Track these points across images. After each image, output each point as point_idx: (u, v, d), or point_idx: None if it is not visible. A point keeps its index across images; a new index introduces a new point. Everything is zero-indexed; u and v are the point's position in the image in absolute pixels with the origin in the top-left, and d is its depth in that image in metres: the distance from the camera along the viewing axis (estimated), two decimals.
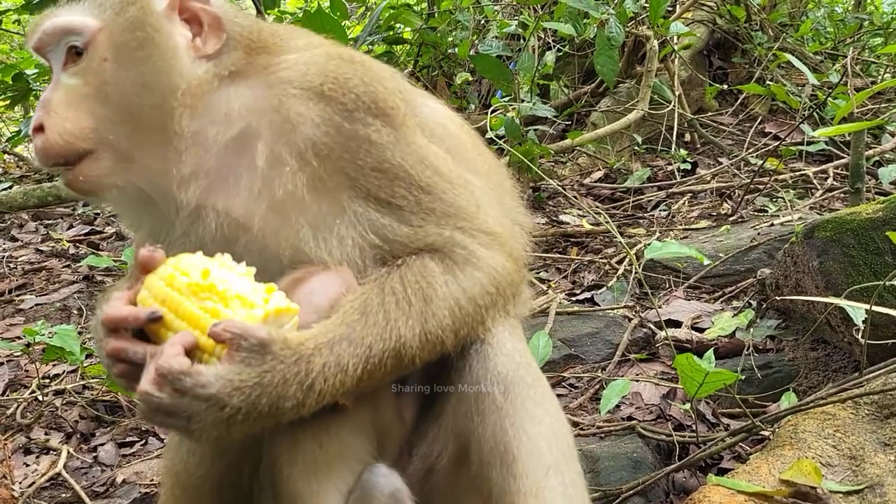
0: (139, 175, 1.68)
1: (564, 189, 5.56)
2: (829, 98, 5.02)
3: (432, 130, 1.84)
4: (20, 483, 2.71)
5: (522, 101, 5.62)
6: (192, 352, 1.47)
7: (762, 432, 2.50)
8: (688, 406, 2.74)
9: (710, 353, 2.66)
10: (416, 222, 1.68)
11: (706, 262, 2.65)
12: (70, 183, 1.68)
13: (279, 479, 1.68)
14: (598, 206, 5.46)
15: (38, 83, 7.66)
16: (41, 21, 1.72)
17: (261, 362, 1.45)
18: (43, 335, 3.06)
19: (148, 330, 1.52)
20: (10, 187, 7.24)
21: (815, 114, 5.73)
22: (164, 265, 1.55)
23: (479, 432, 1.66)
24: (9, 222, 6.26)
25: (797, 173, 5.45)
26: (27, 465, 2.87)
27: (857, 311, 2.37)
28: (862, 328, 2.40)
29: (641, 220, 5.15)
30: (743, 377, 2.77)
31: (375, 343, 1.55)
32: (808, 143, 5.63)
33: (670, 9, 6.33)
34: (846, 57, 6.07)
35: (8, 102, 7.89)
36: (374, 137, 1.67)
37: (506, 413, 1.63)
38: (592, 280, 4.18)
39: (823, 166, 5.56)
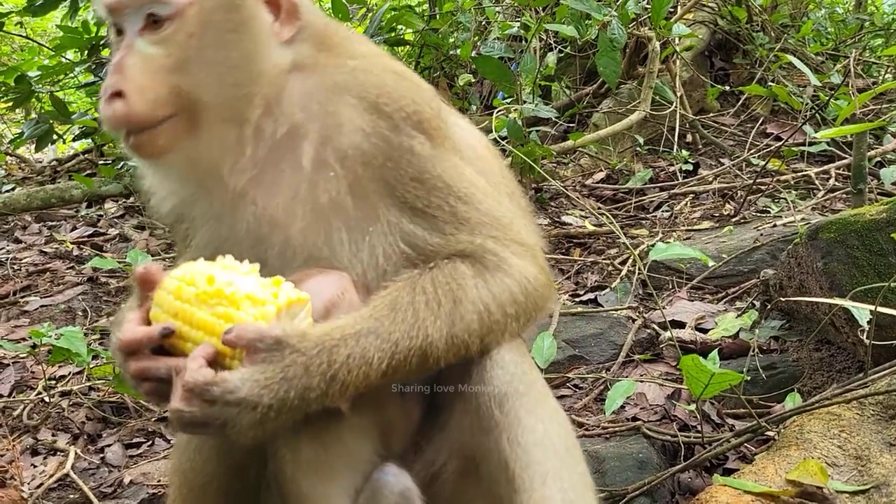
0: (201, 150, 1.68)
1: (567, 190, 5.57)
2: (831, 99, 5.02)
3: (463, 153, 1.86)
4: (28, 484, 2.72)
5: (524, 102, 5.63)
6: (215, 360, 1.48)
7: (767, 433, 2.51)
8: (693, 407, 2.75)
9: (714, 353, 2.68)
10: (450, 231, 1.70)
11: (710, 263, 2.66)
12: (136, 146, 1.65)
13: (284, 482, 1.69)
14: (600, 207, 5.48)
15: (40, 85, 7.69)
16: None
17: (281, 358, 1.47)
18: (49, 337, 3.07)
19: (166, 344, 1.54)
20: (13, 189, 7.26)
21: (816, 114, 5.75)
22: (169, 278, 1.56)
23: (483, 449, 1.67)
24: (12, 224, 6.27)
25: (799, 174, 5.47)
26: (35, 466, 2.88)
27: (862, 312, 2.38)
28: (866, 329, 2.41)
29: (644, 221, 5.16)
30: (748, 378, 2.78)
31: (402, 340, 1.56)
32: (810, 144, 5.64)
33: (671, 10, 6.35)
34: (847, 58, 6.10)
35: (10, 104, 7.93)
36: (417, 150, 1.70)
37: (502, 428, 1.63)
38: (595, 281, 4.19)
39: (825, 167, 5.57)
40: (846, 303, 2.43)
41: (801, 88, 6.63)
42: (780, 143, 5.56)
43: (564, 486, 1.62)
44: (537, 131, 5.76)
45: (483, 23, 6.99)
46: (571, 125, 6.67)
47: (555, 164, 6.24)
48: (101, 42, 7.83)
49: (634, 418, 2.91)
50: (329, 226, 1.68)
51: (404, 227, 1.68)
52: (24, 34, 9.70)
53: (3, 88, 7.63)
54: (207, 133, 1.66)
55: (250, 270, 1.57)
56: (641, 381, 3.08)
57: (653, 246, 4.39)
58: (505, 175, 2.06)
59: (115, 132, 1.67)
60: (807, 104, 5.90)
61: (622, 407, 2.94)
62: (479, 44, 6.50)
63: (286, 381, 1.46)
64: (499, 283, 1.69)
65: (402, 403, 1.83)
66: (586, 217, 5.14)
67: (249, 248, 1.72)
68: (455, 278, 1.65)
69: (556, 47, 6.72)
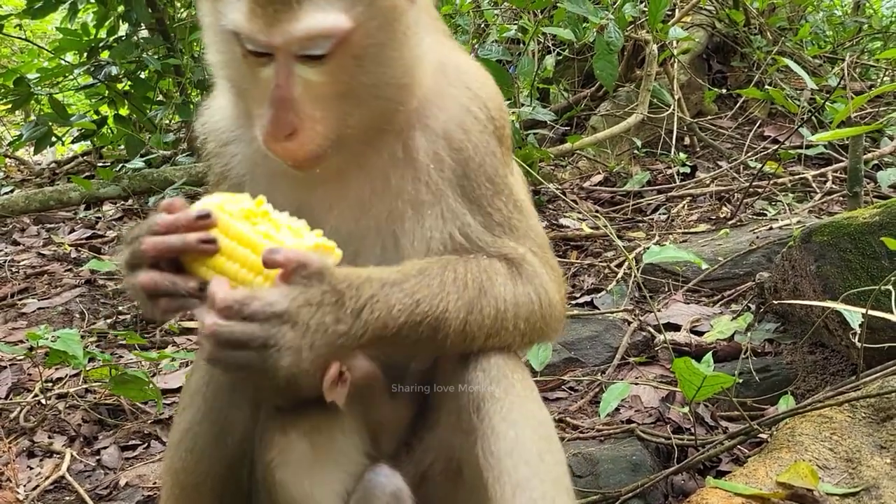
0: (342, 158, 1.66)
1: (564, 193, 5.58)
2: (827, 102, 5.04)
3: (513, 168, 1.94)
4: (24, 486, 2.73)
5: (522, 105, 5.66)
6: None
7: (760, 435, 2.52)
8: (686, 409, 2.76)
9: (708, 356, 2.69)
10: (499, 233, 1.73)
11: (704, 266, 2.67)
12: (292, 164, 1.61)
13: (272, 482, 1.70)
14: (597, 210, 5.49)
15: (39, 87, 7.72)
16: (280, 21, 1.48)
17: (319, 284, 1.45)
18: (46, 339, 3.08)
19: (188, 262, 1.50)
20: (12, 191, 7.27)
21: (813, 117, 5.76)
22: (210, 197, 1.56)
23: (465, 453, 1.68)
24: (10, 226, 6.28)
25: (796, 177, 5.48)
26: (31, 469, 2.89)
27: (854, 315, 2.39)
28: (859, 332, 2.42)
29: (641, 224, 5.17)
30: (741, 380, 2.79)
31: (423, 302, 1.56)
32: (807, 147, 5.66)
33: (669, 13, 6.37)
34: (844, 61, 6.11)
35: (9, 106, 7.95)
36: (497, 153, 1.74)
37: (478, 435, 1.62)
38: (592, 283, 4.20)
39: (822, 170, 5.59)
40: (838, 306, 2.44)
41: (798, 91, 6.65)
42: (777, 146, 5.58)
43: (534, 497, 1.57)
44: (535, 134, 5.78)
45: (481, 25, 7.01)
46: (569, 128, 6.68)
47: (553, 167, 6.26)
48: (100, 44, 7.88)
49: (629, 421, 2.92)
50: (398, 207, 1.70)
51: (465, 219, 1.71)
52: (24, 36, 9.72)
53: (2, 90, 7.66)
54: (355, 144, 1.65)
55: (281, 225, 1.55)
56: (636, 384, 3.10)
57: (648, 249, 4.43)
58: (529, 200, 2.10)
59: (287, 165, 1.62)
60: (804, 107, 5.91)
61: (617, 409, 2.94)
62: (477, 46, 6.51)
63: (323, 306, 1.45)
64: (525, 293, 1.70)
65: (392, 404, 1.84)
66: (583, 220, 5.15)
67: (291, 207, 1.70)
68: (487, 271, 1.67)
69: (553, 50, 6.74)
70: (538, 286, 1.73)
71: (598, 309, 3.84)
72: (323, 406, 1.65)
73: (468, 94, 1.73)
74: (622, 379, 3.18)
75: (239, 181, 1.80)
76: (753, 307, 3.48)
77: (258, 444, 1.72)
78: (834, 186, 5.30)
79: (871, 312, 2.33)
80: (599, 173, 6.20)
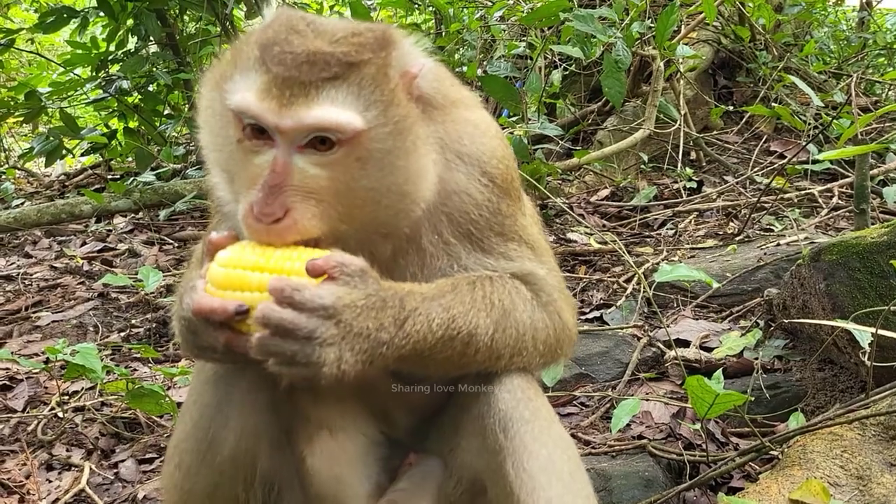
0: (350, 242, 1.66)
1: (571, 207, 5.62)
2: (834, 119, 5.08)
3: (526, 208, 1.98)
4: (44, 499, 2.76)
5: (530, 120, 5.71)
6: None
7: (771, 452, 2.55)
8: (698, 426, 2.79)
9: (718, 373, 2.72)
10: (519, 261, 1.81)
11: (715, 285, 2.71)
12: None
13: (304, 471, 1.81)
14: (604, 224, 5.53)
15: (50, 101, 7.79)
16: (294, 106, 1.50)
17: (365, 286, 1.51)
18: (64, 353, 3.12)
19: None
20: (22, 204, 7.33)
21: (818, 132, 5.80)
22: (222, 253, 1.59)
23: (490, 473, 1.73)
24: (22, 239, 6.33)
25: (802, 192, 5.52)
26: (49, 482, 2.92)
27: (864, 335, 2.42)
28: (868, 351, 2.46)
29: (648, 239, 5.21)
30: (752, 398, 2.82)
31: (458, 318, 1.63)
32: (813, 162, 5.70)
33: (675, 29, 6.42)
34: (850, 76, 6.15)
35: (21, 119, 8.03)
36: (504, 209, 1.79)
37: (507, 453, 1.69)
38: (601, 299, 4.23)
39: (828, 185, 5.63)
40: (848, 325, 2.47)
41: (804, 107, 6.69)
42: (784, 162, 5.62)
43: None
44: (542, 149, 5.83)
45: (489, 41, 7.08)
46: (576, 143, 6.73)
47: (560, 182, 6.30)
48: (109, 58, 7.96)
49: (640, 436, 2.95)
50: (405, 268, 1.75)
51: (482, 261, 1.78)
52: (34, 50, 9.80)
53: (13, 104, 7.73)
54: (357, 237, 1.66)
55: (298, 248, 1.58)
56: (647, 400, 3.13)
57: (657, 264, 4.45)
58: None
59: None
60: (810, 123, 5.95)
61: (628, 425, 2.98)
62: (484, 63, 6.58)
63: (368, 310, 1.50)
64: (542, 318, 1.79)
65: (400, 392, 1.92)
66: (591, 234, 5.19)
67: None
68: (511, 293, 1.74)
69: (560, 65, 6.80)
70: (553, 312, 1.82)
71: (608, 324, 3.87)
72: (339, 398, 1.79)
73: (470, 171, 1.75)
74: (632, 395, 3.21)
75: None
76: (762, 324, 3.52)
77: (292, 440, 1.83)
78: (840, 202, 5.34)
79: (880, 332, 2.36)
80: (606, 188, 6.25)
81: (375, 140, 1.55)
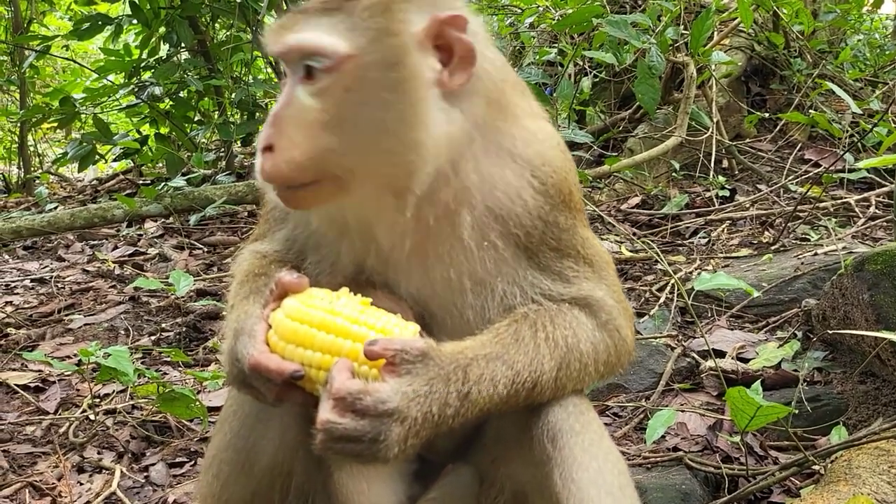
0: (352, 208, 1.65)
1: (602, 216, 5.57)
2: (874, 128, 4.98)
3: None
4: (76, 503, 2.77)
5: (560, 127, 5.67)
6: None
7: (813, 467, 2.48)
8: (736, 438, 2.73)
9: (758, 384, 2.66)
10: (577, 282, 1.76)
11: (755, 293, 2.65)
12: (283, 199, 1.63)
13: (332, 484, 1.78)
14: (635, 233, 5.47)
15: (83, 107, 7.91)
16: (285, 30, 1.58)
17: (426, 371, 1.49)
18: (97, 356, 3.13)
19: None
20: (56, 208, 7.44)
21: (856, 141, 5.70)
22: (289, 302, 1.60)
23: (535, 484, 1.70)
24: (56, 242, 6.41)
25: (839, 201, 5.41)
26: (81, 484, 2.93)
27: None
28: None
29: (680, 248, 5.13)
30: (795, 410, 2.76)
31: (523, 370, 1.61)
32: (850, 171, 5.59)
33: (707, 35, 6.35)
34: (886, 84, 6.04)
35: (56, 125, 8.16)
36: (562, 223, 1.73)
37: (555, 464, 1.65)
38: (633, 308, 4.17)
39: (865, 194, 5.51)
40: (894, 336, 2.40)
41: (839, 114, 6.58)
42: (820, 170, 5.51)
43: None
44: (572, 156, 5.77)
45: (518, 48, 7.05)
46: (606, 150, 6.67)
47: (590, 189, 6.25)
48: (142, 65, 8.06)
49: (675, 448, 2.89)
50: (453, 274, 1.70)
51: (537, 282, 1.73)
52: (69, 57, 9.96)
53: (48, 109, 7.86)
54: (359, 196, 1.61)
55: (363, 302, 1.60)
56: (682, 411, 3.07)
57: (691, 273, 4.39)
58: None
59: (260, 185, 1.64)
60: (846, 131, 5.85)
61: (663, 436, 2.92)
62: (515, 69, 6.55)
63: (431, 395, 1.48)
64: (604, 342, 1.76)
65: None
66: (622, 242, 5.13)
67: (349, 265, 1.76)
68: (573, 326, 1.70)
69: (590, 72, 6.75)
70: (612, 330, 1.77)
71: (641, 334, 3.81)
72: None
73: (521, 172, 1.69)
74: (667, 405, 3.15)
75: (303, 245, 1.84)
76: (800, 334, 3.44)
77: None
78: (877, 211, 5.23)
79: None
80: (637, 196, 6.18)
81: (364, 68, 1.52)
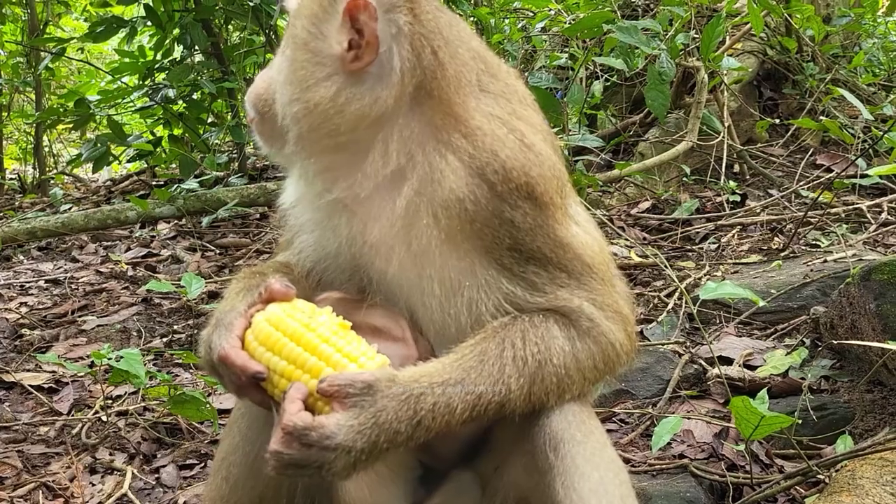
0: (292, 153, 1.79)
1: (611, 219, 5.57)
2: (885, 134, 4.96)
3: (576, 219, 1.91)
4: (88, 503, 2.81)
5: (570, 131, 5.68)
6: (306, 400, 1.56)
7: (818, 476, 2.49)
8: (741, 446, 2.73)
9: (763, 393, 2.66)
10: (550, 290, 1.73)
11: (761, 303, 2.66)
12: (251, 124, 1.90)
13: (336, 490, 1.80)
14: (645, 238, 5.46)
15: (98, 108, 7.98)
16: None
17: (373, 403, 1.53)
18: (110, 358, 3.18)
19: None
20: (70, 209, 7.51)
21: (868, 146, 5.67)
22: (271, 309, 1.67)
23: (537, 493, 1.71)
24: (69, 243, 6.48)
25: (850, 207, 5.39)
26: (93, 485, 2.97)
27: None
28: None
29: (690, 253, 5.13)
30: (798, 420, 2.76)
31: (486, 393, 1.62)
32: (862, 177, 5.57)
33: (719, 39, 6.34)
34: None
35: (71, 126, 8.23)
36: (518, 221, 1.69)
37: (557, 472, 1.67)
38: (642, 314, 4.18)
39: (877, 200, 5.49)
40: None
41: (851, 120, 6.55)
42: (832, 175, 5.49)
43: None
44: (583, 160, 5.79)
45: (530, 52, 7.07)
46: (617, 154, 6.67)
47: (600, 193, 6.25)
48: (156, 67, 8.13)
49: (681, 456, 2.90)
50: (421, 272, 1.72)
51: (503, 287, 1.71)
52: (84, 58, 10.05)
53: (63, 111, 7.94)
54: (303, 148, 1.76)
55: (342, 325, 1.65)
56: (688, 418, 3.07)
57: (700, 279, 4.38)
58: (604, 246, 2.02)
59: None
60: (859, 137, 5.82)
61: (669, 444, 2.92)
62: (526, 73, 6.57)
63: (377, 427, 1.52)
64: (585, 350, 1.73)
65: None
66: (631, 247, 5.13)
67: (346, 269, 1.82)
68: (545, 340, 1.69)
69: (601, 76, 6.76)
70: (597, 336, 1.75)
71: (648, 340, 3.82)
72: None
73: (462, 161, 1.68)
74: (673, 412, 3.16)
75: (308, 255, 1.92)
76: (808, 342, 3.44)
77: None
78: (889, 218, 5.20)
79: None
80: (647, 200, 6.17)
81: (295, 17, 1.76)
